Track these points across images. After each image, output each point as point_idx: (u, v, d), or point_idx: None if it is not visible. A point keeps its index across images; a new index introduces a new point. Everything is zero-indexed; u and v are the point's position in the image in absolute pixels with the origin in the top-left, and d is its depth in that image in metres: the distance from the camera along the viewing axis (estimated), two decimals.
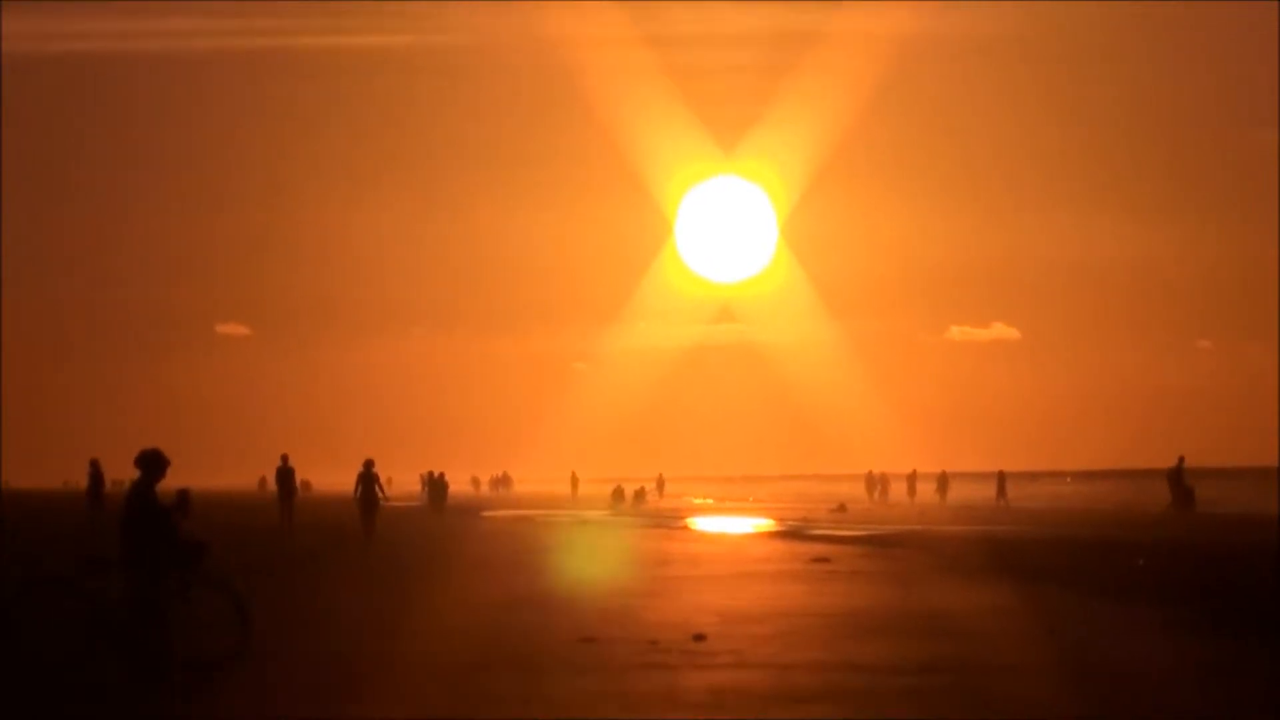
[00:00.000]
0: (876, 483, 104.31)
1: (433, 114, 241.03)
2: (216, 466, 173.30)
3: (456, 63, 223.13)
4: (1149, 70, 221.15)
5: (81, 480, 56.43)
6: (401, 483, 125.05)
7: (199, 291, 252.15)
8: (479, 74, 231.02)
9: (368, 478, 47.41)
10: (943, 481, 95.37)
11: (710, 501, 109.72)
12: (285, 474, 50.32)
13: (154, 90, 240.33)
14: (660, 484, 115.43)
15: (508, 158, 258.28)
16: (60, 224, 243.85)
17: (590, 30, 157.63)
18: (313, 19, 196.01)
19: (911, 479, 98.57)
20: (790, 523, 63.39)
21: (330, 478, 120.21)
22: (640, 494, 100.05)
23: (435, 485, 75.31)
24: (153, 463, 16.83)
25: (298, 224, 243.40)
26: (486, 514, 76.05)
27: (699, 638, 19.22)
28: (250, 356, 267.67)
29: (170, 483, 16.94)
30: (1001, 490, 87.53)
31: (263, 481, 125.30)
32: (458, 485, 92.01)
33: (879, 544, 44.16)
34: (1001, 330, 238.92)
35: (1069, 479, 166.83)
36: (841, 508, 77.88)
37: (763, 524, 63.52)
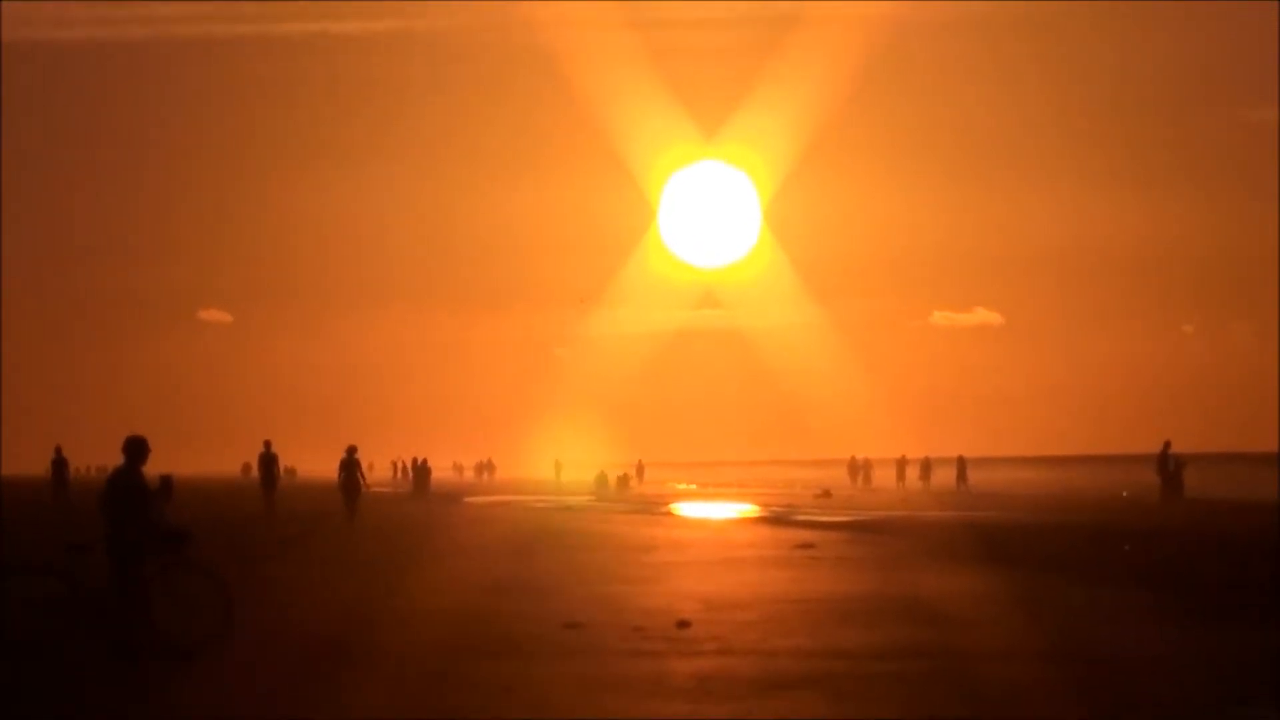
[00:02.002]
0: (859, 468, 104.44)
1: (415, 98, 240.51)
2: (200, 453, 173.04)
3: (438, 46, 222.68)
4: (1133, 53, 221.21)
5: (69, 466, 56.30)
6: (382, 469, 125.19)
7: (180, 278, 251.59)
8: (461, 58, 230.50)
9: (350, 464, 47.41)
10: (926, 467, 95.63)
11: (694, 487, 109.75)
12: (268, 460, 50.23)
13: (134, 76, 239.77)
14: (640, 470, 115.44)
15: (490, 142, 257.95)
16: (41, 211, 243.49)
17: (572, 14, 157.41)
18: (295, 4, 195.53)
19: (900, 464, 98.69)
20: (774, 508, 63.39)
21: (314, 464, 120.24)
22: (624, 480, 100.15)
23: (418, 471, 75.16)
24: (138, 449, 16.80)
25: (280, 210, 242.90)
26: (470, 500, 75.97)
27: (683, 624, 19.17)
28: (232, 343, 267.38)
29: (154, 469, 16.89)
30: (962, 476, 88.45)
31: (246, 468, 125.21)
32: (440, 471, 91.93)
33: (863, 529, 44.15)
34: (984, 315, 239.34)
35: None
36: (826, 493, 77.91)
37: (747, 510, 63.51)
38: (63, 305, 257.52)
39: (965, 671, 15.37)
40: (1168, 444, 62.70)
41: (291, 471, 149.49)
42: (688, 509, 66.45)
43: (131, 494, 16.64)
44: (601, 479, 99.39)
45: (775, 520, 52.78)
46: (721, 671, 15.41)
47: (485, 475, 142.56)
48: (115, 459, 17.07)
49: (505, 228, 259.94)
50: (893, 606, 21.61)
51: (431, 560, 31.21)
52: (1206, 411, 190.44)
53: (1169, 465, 62.86)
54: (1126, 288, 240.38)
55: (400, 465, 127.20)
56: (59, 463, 54.42)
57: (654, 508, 67.08)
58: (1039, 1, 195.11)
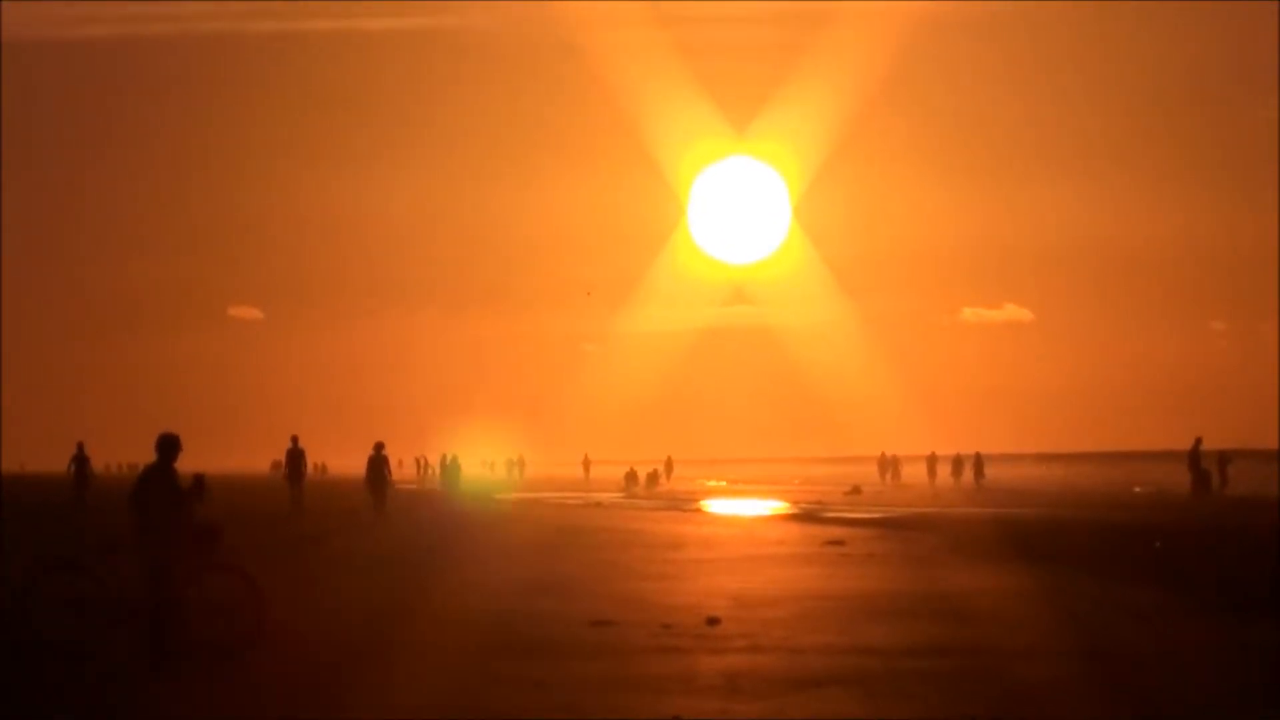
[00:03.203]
0: (889, 465, 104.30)
1: (446, 95, 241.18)
2: (229, 449, 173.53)
3: (469, 44, 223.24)
4: (1162, 48, 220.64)
5: (93, 464, 56.42)
6: (412, 465, 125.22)
7: (211, 274, 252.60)
8: (491, 55, 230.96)
9: (378, 460, 47.45)
10: (958, 464, 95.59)
11: (723, 484, 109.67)
12: (295, 455, 50.29)
13: (167, 73, 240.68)
14: (668, 466, 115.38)
15: (520, 139, 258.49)
16: (73, 206, 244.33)
17: (602, 10, 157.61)
18: (327, 1, 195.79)
19: (931, 461, 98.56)
20: (804, 505, 63.33)
21: (343, 460, 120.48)
22: (653, 477, 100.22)
23: (447, 468, 75.17)
24: (170, 446, 16.82)
25: (310, 206, 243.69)
26: (500, 497, 75.99)
27: (713, 621, 19.16)
28: (263, 339, 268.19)
29: (184, 466, 16.92)
30: (979, 472, 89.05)
31: (276, 464, 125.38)
32: (470, 468, 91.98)
33: (894, 526, 44.10)
34: (1014, 311, 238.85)
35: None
36: (856, 490, 77.83)
37: (776, 506, 63.47)
38: (92, 302, 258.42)
39: (995, 669, 15.34)
40: (1199, 440, 62.55)
41: (323, 468, 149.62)
42: (717, 506, 66.44)
43: (164, 491, 16.66)
44: (631, 476, 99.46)
45: (805, 517, 52.73)
46: (751, 669, 15.41)
47: (515, 472, 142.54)
48: (146, 456, 17.10)
49: (535, 225, 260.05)
50: (922, 603, 21.57)
51: (460, 558, 31.21)
52: (1235, 408, 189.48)
53: (1201, 461, 62.72)
54: (1156, 284, 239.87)
55: (422, 461, 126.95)
56: (80, 459, 54.58)
57: (683, 505, 67.08)
58: (1065, 1, 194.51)
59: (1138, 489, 78.76)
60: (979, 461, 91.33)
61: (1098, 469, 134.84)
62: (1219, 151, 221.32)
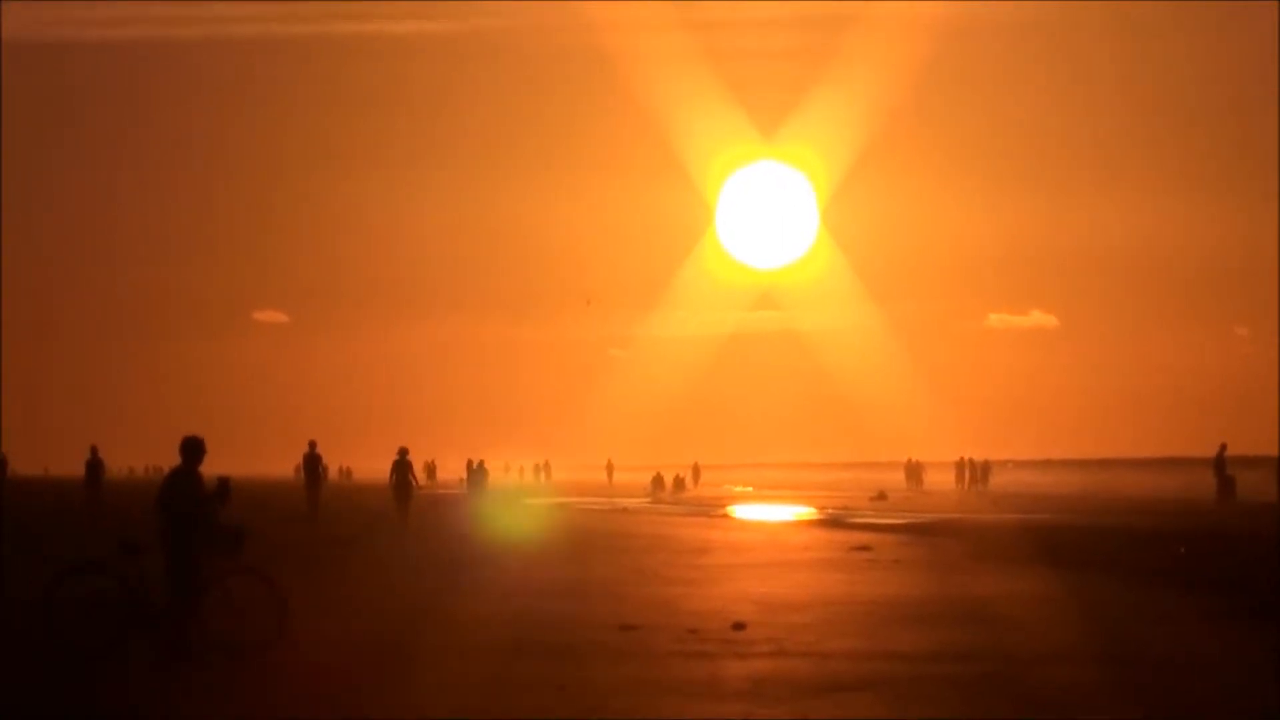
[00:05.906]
0: (915, 470, 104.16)
1: (473, 100, 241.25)
2: (254, 453, 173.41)
3: (497, 48, 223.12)
4: (1191, 54, 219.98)
5: (118, 467, 56.65)
6: (443, 471, 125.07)
7: (236, 278, 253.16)
8: (519, 60, 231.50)
9: (402, 465, 47.37)
10: (985, 470, 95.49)
11: (750, 489, 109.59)
12: (312, 460, 50.35)
13: (194, 76, 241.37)
14: (695, 472, 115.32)
15: (548, 144, 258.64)
16: (100, 210, 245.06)
17: (630, 15, 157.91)
18: (352, 4, 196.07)
19: (960, 466, 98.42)
20: (830, 510, 63.27)
21: (368, 465, 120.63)
22: (679, 482, 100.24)
23: (475, 473, 75.09)
24: (194, 449, 16.82)
25: (336, 210, 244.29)
26: (526, 502, 75.98)
27: (739, 626, 19.11)
28: (288, 343, 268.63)
29: (209, 469, 16.91)
30: (983, 478, 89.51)
31: (299, 469, 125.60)
32: (497, 473, 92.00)
33: (920, 532, 44.02)
34: (1040, 317, 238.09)
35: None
36: (882, 495, 77.74)
37: (802, 512, 63.40)
38: (120, 305, 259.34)
39: (1021, 674, 15.27)
40: (1223, 446, 62.35)
41: (347, 473, 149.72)
42: (743, 511, 66.40)
43: (187, 494, 16.66)
44: (658, 481, 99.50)
45: (831, 522, 52.68)
46: (777, 673, 15.35)
47: (541, 477, 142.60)
48: (171, 459, 17.10)
49: (563, 229, 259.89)
50: (948, 609, 21.51)
51: (486, 562, 31.18)
52: (1262, 414, 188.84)
53: (1224, 469, 62.51)
54: (1181, 290, 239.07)
55: (431, 467, 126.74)
56: (93, 464, 54.74)
57: (710, 510, 67.06)
58: (1093, 5, 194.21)
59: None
60: (985, 467, 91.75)
61: (1124, 476, 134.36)
62: (1246, 157, 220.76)
